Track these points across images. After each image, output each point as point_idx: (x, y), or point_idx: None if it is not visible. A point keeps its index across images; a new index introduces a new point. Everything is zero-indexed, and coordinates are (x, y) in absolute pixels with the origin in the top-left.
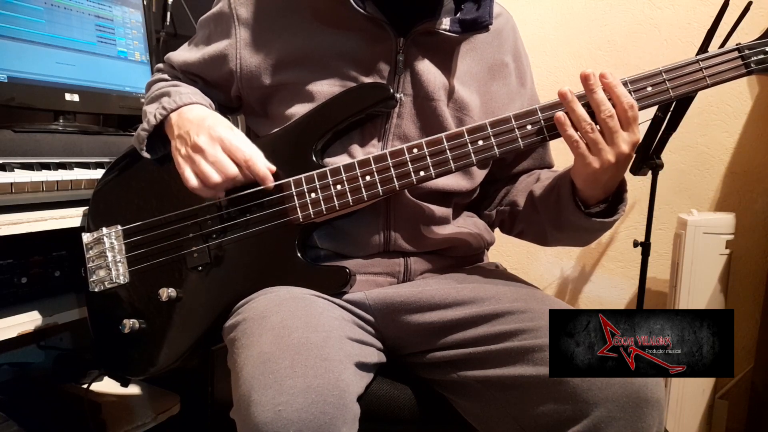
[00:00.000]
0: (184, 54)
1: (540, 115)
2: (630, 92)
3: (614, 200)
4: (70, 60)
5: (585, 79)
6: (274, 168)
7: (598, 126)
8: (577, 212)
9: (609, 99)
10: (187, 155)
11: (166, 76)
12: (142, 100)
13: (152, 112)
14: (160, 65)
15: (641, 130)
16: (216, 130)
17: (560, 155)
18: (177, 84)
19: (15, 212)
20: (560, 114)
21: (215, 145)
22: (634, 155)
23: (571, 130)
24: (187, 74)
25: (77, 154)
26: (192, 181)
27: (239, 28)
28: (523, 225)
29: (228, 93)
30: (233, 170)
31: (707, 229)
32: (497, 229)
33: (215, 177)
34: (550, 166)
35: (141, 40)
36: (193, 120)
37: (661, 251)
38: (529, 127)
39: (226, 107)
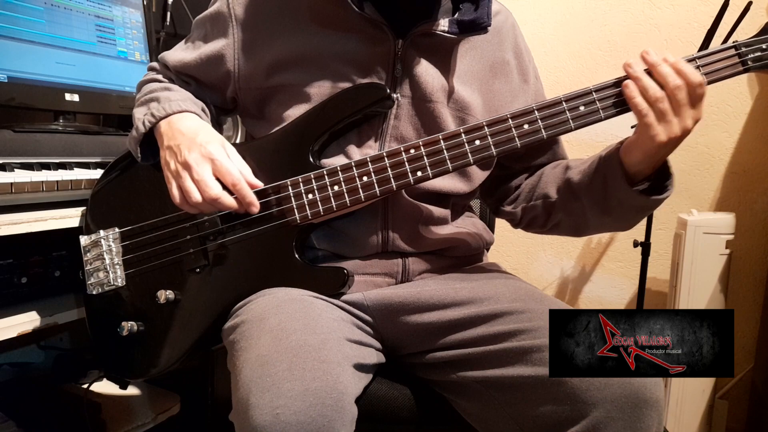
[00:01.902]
0: (179, 54)
1: (537, 114)
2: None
3: (658, 178)
4: (70, 60)
5: (646, 54)
6: (261, 185)
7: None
8: (630, 191)
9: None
10: (176, 170)
11: (159, 76)
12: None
13: (140, 119)
14: (154, 64)
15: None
16: (208, 148)
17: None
18: (168, 87)
19: (15, 212)
20: (629, 81)
21: (205, 164)
22: None
23: (639, 98)
24: (181, 75)
25: (77, 154)
26: (176, 197)
27: (237, 29)
28: (560, 215)
29: (223, 95)
30: (215, 192)
31: (707, 229)
32: (502, 228)
33: (196, 196)
34: (563, 159)
35: (141, 40)
36: (185, 133)
37: (661, 251)
38: (526, 126)
39: (220, 109)
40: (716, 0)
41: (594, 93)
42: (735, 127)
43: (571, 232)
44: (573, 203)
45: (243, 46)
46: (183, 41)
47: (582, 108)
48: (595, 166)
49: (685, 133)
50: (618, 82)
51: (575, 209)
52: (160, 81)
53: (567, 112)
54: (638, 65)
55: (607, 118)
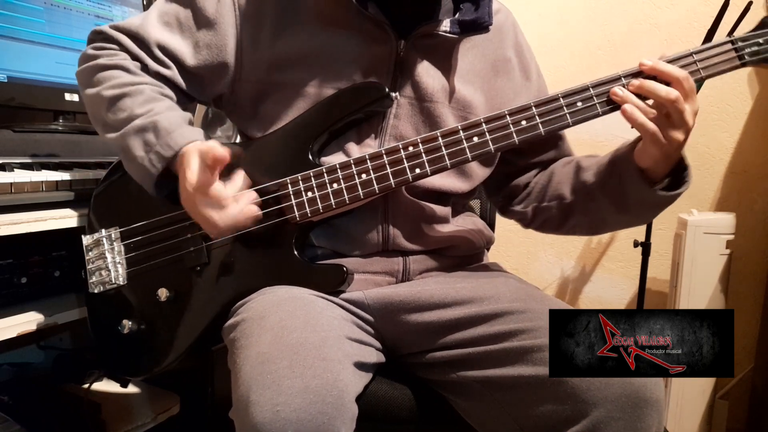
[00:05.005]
0: (165, 34)
1: (535, 110)
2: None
3: (676, 170)
4: (69, 60)
5: (641, 65)
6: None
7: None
8: (649, 190)
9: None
10: (204, 216)
11: (127, 62)
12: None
13: (142, 156)
14: (111, 33)
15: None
16: (196, 194)
17: None
18: (143, 91)
19: (15, 212)
20: (627, 106)
21: (211, 209)
22: None
23: (642, 118)
24: (165, 55)
25: (77, 154)
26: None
27: (240, 21)
28: (578, 217)
29: (203, 84)
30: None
31: (707, 229)
32: (502, 228)
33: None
34: (569, 156)
35: None
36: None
37: (661, 251)
38: (523, 122)
39: (184, 94)
40: (716, 0)
41: (591, 89)
42: (735, 126)
43: (587, 232)
44: (589, 204)
45: (246, 39)
46: (157, 14)
47: (579, 104)
48: (611, 167)
49: (689, 131)
50: (615, 79)
51: (592, 209)
52: (129, 71)
53: (564, 108)
54: (623, 90)
55: (604, 113)
